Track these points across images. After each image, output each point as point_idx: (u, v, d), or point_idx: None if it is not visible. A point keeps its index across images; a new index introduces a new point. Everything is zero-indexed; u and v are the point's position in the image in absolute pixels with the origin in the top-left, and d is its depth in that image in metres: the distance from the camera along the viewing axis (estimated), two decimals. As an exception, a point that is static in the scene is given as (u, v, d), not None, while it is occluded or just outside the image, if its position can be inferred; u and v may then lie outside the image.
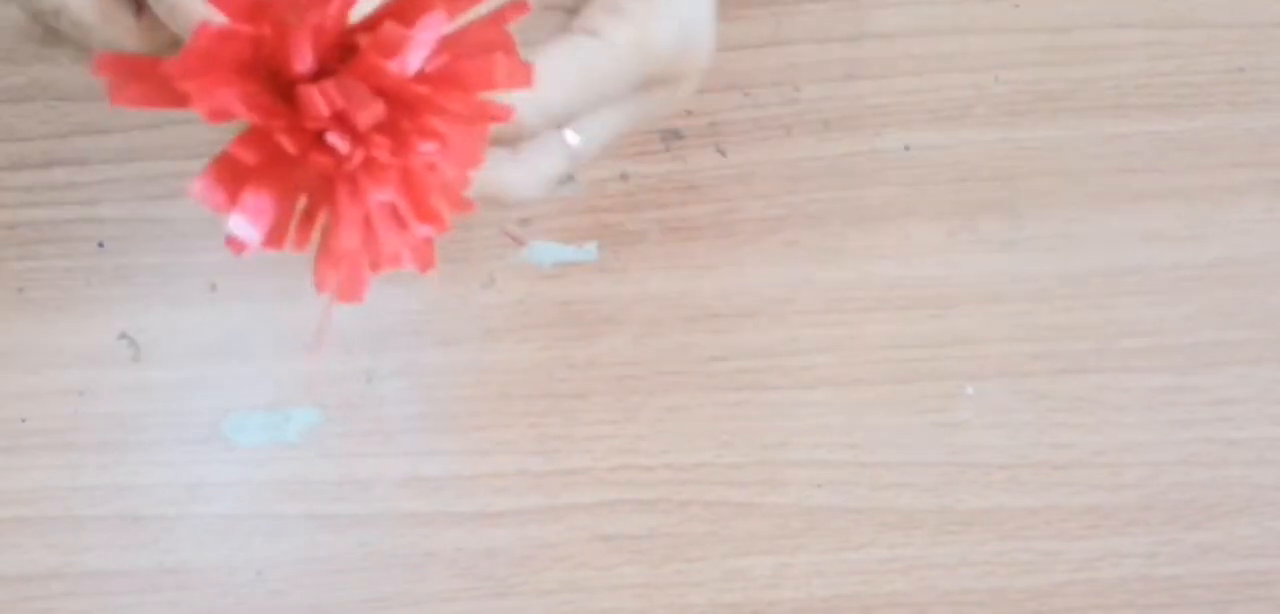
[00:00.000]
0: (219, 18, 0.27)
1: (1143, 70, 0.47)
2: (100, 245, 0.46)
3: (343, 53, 0.28)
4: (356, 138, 0.27)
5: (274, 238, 0.28)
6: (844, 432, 0.45)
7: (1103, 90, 0.47)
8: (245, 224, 0.28)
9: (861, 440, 0.45)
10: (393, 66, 0.27)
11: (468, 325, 0.46)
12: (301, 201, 0.29)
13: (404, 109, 0.28)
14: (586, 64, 0.36)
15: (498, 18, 0.29)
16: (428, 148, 0.28)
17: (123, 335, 0.46)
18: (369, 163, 0.28)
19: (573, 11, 0.37)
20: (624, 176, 0.47)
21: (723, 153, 0.47)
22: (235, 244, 0.28)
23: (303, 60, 0.27)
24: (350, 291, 0.30)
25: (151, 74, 0.27)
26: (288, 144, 0.27)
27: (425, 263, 0.30)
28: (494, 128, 0.30)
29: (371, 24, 0.28)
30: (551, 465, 0.45)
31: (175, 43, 0.34)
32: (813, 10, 0.48)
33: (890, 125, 0.47)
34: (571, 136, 0.37)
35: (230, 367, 0.45)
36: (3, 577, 0.44)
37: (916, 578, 0.44)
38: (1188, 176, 0.46)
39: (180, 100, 0.27)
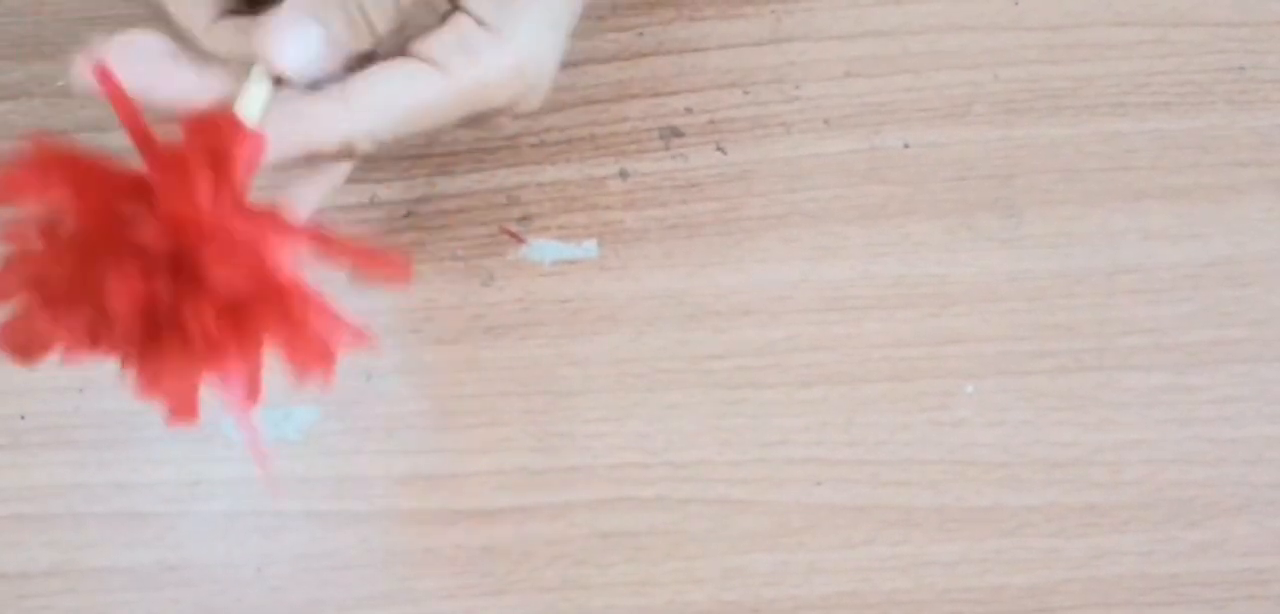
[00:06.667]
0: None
1: (1142, 68, 0.47)
2: (100, 242, 0.46)
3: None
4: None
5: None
6: (843, 429, 0.45)
7: (1102, 88, 0.47)
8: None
9: (861, 438, 0.45)
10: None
11: (467, 323, 0.46)
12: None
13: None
14: (424, 99, 0.36)
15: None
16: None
17: (122, 332, 0.46)
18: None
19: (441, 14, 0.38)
20: (623, 174, 0.47)
21: (722, 151, 0.47)
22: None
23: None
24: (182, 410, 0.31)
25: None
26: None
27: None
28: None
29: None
30: (551, 462, 0.45)
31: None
32: (812, 8, 0.48)
33: (889, 123, 0.47)
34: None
35: (230, 364, 0.45)
36: (3, 574, 0.44)
37: (916, 575, 0.44)
38: (1187, 175, 0.46)
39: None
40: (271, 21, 0.35)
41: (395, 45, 0.38)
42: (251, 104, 0.34)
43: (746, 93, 0.47)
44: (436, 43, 0.37)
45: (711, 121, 0.47)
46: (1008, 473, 0.44)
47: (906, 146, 0.47)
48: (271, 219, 0.31)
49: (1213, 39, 0.47)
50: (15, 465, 0.45)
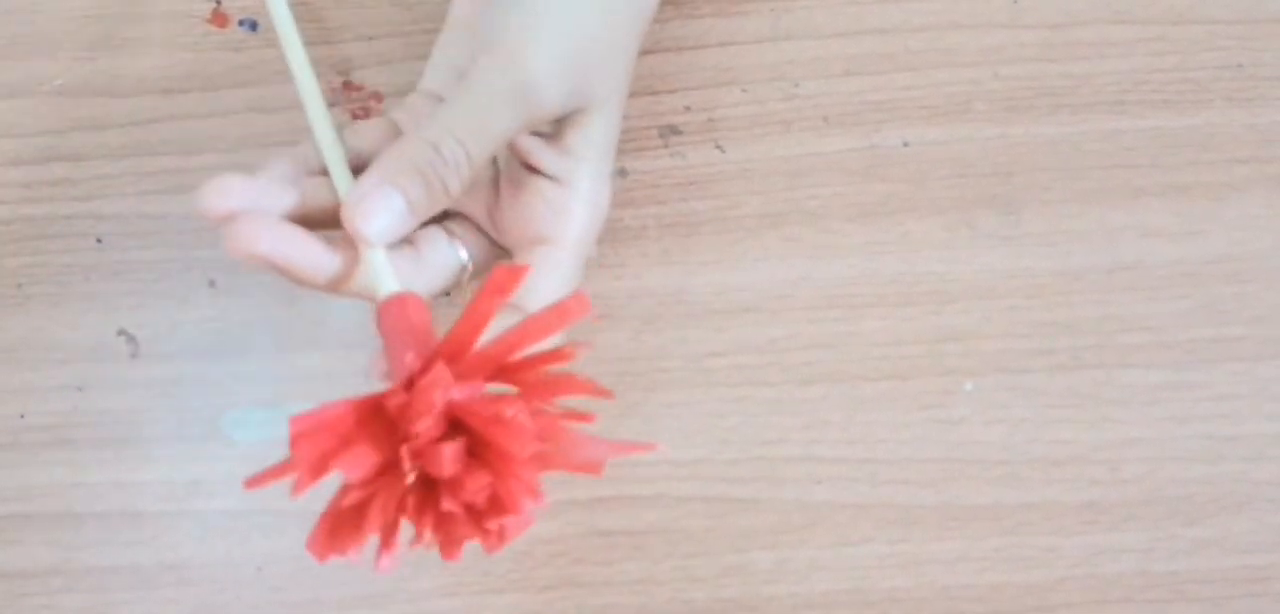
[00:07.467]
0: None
1: (1141, 66, 0.47)
2: (99, 241, 0.46)
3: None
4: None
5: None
6: (843, 428, 0.45)
7: (1101, 86, 0.47)
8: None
9: (860, 436, 0.45)
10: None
11: (466, 321, 0.46)
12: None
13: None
14: (563, 276, 0.39)
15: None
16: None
17: (121, 331, 0.46)
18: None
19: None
20: (623, 172, 0.47)
21: (721, 149, 0.47)
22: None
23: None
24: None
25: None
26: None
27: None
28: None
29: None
30: (550, 461, 0.45)
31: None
32: (811, 6, 0.48)
33: (889, 121, 0.47)
34: (463, 253, 0.40)
35: (229, 363, 0.45)
36: (2, 572, 0.44)
37: (916, 573, 0.44)
38: (1186, 173, 0.46)
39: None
40: (353, 193, 0.37)
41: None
42: (382, 274, 0.36)
43: (745, 91, 0.47)
44: (534, 218, 0.39)
45: (710, 120, 0.47)
46: (1007, 471, 0.44)
47: (906, 145, 0.47)
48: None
49: (1211, 36, 0.47)
50: (14, 464, 0.45)
